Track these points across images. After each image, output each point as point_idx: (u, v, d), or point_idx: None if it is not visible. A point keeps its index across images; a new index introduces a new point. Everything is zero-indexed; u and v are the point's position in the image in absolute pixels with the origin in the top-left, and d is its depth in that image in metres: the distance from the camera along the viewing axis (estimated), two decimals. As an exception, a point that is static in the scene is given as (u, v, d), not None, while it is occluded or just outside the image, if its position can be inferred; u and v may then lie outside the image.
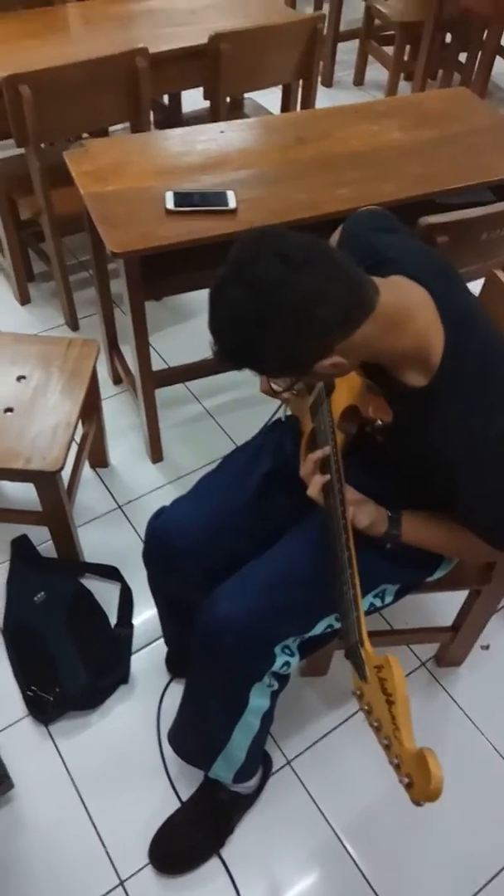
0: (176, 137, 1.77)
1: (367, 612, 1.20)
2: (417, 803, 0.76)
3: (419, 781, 0.75)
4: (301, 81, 2.34)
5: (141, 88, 1.99)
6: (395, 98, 2.29)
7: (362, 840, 1.41)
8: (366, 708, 0.84)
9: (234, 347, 0.90)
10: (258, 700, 1.17)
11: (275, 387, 1.19)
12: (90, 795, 1.44)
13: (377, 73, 3.66)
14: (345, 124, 1.84)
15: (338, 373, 0.97)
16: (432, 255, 1.12)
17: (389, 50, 3.39)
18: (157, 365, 2.03)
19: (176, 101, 2.77)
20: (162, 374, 1.97)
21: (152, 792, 1.44)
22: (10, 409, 1.55)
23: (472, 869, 1.39)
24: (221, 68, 2.08)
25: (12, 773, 1.43)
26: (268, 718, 1.23)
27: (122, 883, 1.34)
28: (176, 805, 1.41)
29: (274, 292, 0.84)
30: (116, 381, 2.22)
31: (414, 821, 1.43)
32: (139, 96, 2.01)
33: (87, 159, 1.67)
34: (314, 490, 1.06)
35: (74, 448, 1.70)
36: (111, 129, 2.49)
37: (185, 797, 1.42)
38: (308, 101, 2.38)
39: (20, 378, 1.62)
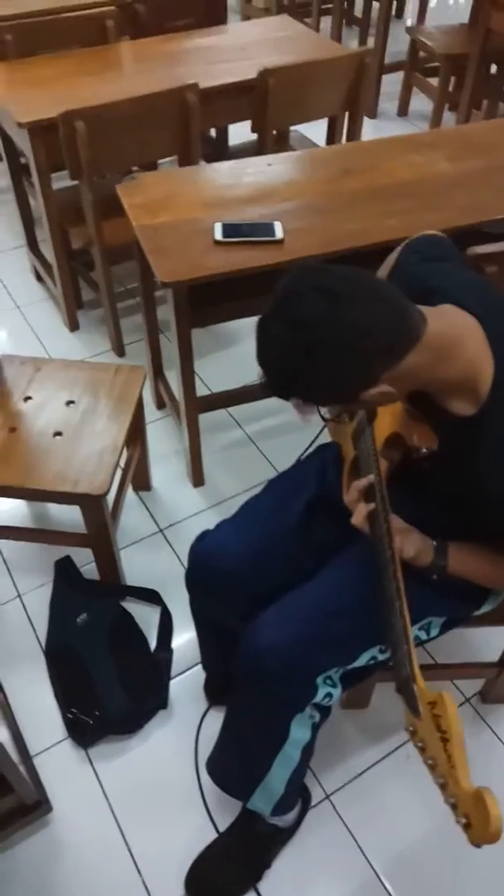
0: (224, 170, 1.81)
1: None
2: (476, 845, 0.73)
3: (478, 822, 0.73)
4: (347, 114, 2.38)
5: (191, 123, 2.05)
6: (442, 129, 2.31)
7: (403, 880, 1.37)
8: (420, 745, 0.82)
9: (281, 381, 0.93)
10: (299, 732, 1.15)
11: (323, 413, 1.20)
12: (127, 821, 1.44)
13: (421, 103, 3.69)
14: (391, 155, 1.86)
15: (386, 400, 0.97)
16: (482, 284, 1.12)
17: (434, 81, 3.42)
18: (200, 391, 2.05)
19: (223, 134, 2.84)
20: (205, 400, 1.99)
21: (189, 820, 1.43)
22: (59, 433, 1.59)
23: (519, 918, 1.34)
24: (269, 102, 2.12)
25: (51, 795, 1.44)
26: (308, 751, 1.21)
27: (157, 913, 1.33)
28: (213, 835, 1.40)
29: (318, 329, 0.86)
30: (160, 405, 2.26)
31: (456, 861, 1.38)
32: (189, 130, 2.07)
33: (139, 192, 1.72)
34: (359, 519, 1.05)
35: (119, 471, 1.72)
36: (160, 161, 2.57)
37: (222, 827, 1.40)
38: (354, 133, 2.41)
39: (69, 403, 1.66)
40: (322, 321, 0.86)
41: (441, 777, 0.78)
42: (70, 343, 2.48)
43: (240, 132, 2.45)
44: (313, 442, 1.36)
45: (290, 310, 0.88)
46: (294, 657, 1.08)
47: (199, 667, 1.59)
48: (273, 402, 1.01)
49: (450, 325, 0.95)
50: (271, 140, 2.28)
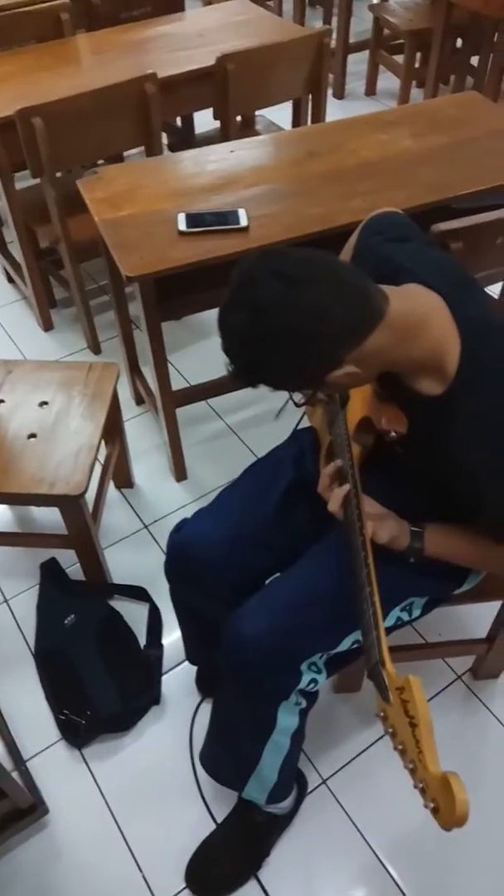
0: (187, 160, 1.79)
1: (396, 627, 1.18)
2: (446, 829, 0.74)
3: (445, 807, 0.73)
4: (311, 96, 2.36)
5: (152, 113, 2.02)
6: (406, 106, 2.28)
7: (403, 860, 1.38)
8: (390, 730, 0.82)
9: (245, 368, 0.92)
10: (286, 719, 1.15)
11: (295, 400, 1.19)
12: (125, 818, 1.44)
13: (389, 82, 3.66)
14: (355, 135, 1.84)
15: (354, 382, 0.97)
16: (448, 262, 1.11)
17: (400, 58, 3.39)
18: (178, 384, 2.05)
19: (188, 122, 2.81)
20: (183, 393, 1.98)
21: (187, 814, 1.43)
22: (33, 435, 1.57)
23: (519, 889, 1.35)
24: (229, 88, 2.10)
25: (47, 798, 1.44)
26: (298, 737, 1.21)
27: (159, 908, 1.33)
28: (211, 826, 1.40)
29: (276, 313, 0.85)
30: (139, 401, 2.24)
31: (456, 840, 1.39)
32: (150, 121, 2.04)
33: (100, 186, 1.69)
34: (334, 504, 1.04)
35: (98, 470, 1.71)
36: (126, 154, 2.54)
37: (220, 818, 1.41)
38: (318, 115, 2.39)
39: (42, 404, 1.64)
40: (280, 305, 0.85)
41: (410, 762, 0.78)
42: (45, 343, 2.46)
43: (206, 120, 2.42)
44: (298, 423, 1.35)
45: (248, 296, 0.87)
46: (276, 646, 1.07)
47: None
48: (252, 391, 1.01)
49: (415, 305, 0.94)
50: (236, 126, 2.26)
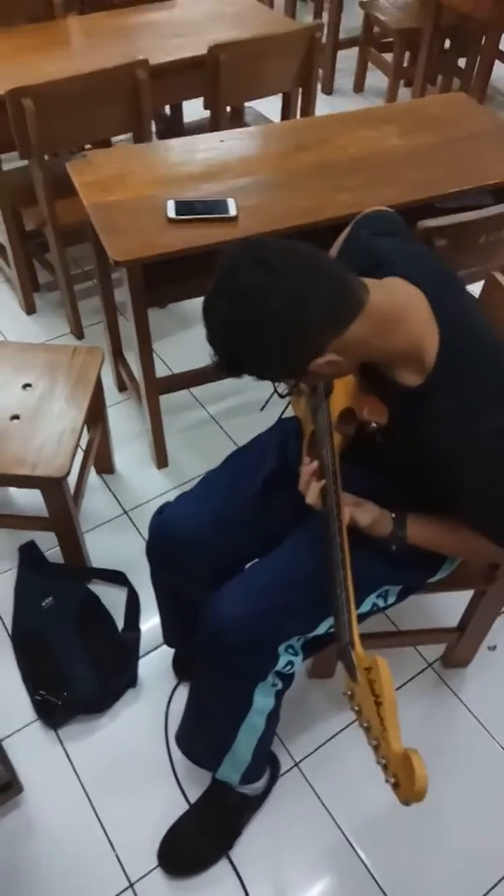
0: (176, 147, 1.80)
1: (371, 613, 1.21)
2: (405, 803, 0.77)
3: (405, 782, 0.76)
4: (300, 90, 2.37)
5: (142, 99, 2.02)
6: (394, 104, 2.31)
7: (372, 842, 1.41)
8: (356, 708, 0.85)
9: (228, 356, 0.94)
10: (263, 700, 1.18)
11: (279, 390, 1.21)
12: (99, 798, 1.45)
13: (377, 79, 3.69)
14: (344, 131, 1.86)
15: (336, 372, 0.99)
16: (430, 257, 1.13)
17: (389, 57, 3.41)
18: (161, 372, 2.05)
19: (177, 111, 2.80)
20: (166, 381, 1.99)
21: (161, 794, 1.45)
22: (16, 417, 1.57)
23: (483, 869, 1.39)
24: (221, 78, 2.10)
25: (21, 776, 1.45)
26: (273, 718, 1.24)
27: (131, 885, 1.35)
28: (184, 807, 1.42)
29: (256, 299, 0.87)
30: (122, 388, 2.25)
31: (423, 822, 1.43)
32: (140, 107, 2.04)
33: (90, 170, 1.70)
34: (312, 498, 1.07)
35: (80, 455, 1.72)
36: (114, 139, 2.53)
37: (193, 799, 1.43)
38: (307, 109, 2.40)
39: (26, 386, 1.64)
40: (259, 291, 0.87)
41: (374, 739, 0.81)
42: (28, 327, 2.45)
43: (195, 109, 2.43)
44: (283, 412, 1.37)
45: (229, 283, 0.89)
46: (254, 628, 1.09)
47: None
48: (235, 381, 1.03)
49: (395, 297, 0.97)
50: (225, 117, 2.27)
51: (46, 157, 2.02)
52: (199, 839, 1.38)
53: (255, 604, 1.10)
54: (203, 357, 0.95)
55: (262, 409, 1.37)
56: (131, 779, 1.48)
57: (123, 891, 1.34)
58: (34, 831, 1.41)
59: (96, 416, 1.80)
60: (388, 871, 1.38)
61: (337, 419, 1.13)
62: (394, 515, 1.10)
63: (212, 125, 2.24)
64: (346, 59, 3.75)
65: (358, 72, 3.74)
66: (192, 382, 2.08)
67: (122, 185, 1.65)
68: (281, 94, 2.45)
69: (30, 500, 1.88)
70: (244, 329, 0.89)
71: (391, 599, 1.21)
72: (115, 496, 1.98)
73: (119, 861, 1.38)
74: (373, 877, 1.37)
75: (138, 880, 1.35)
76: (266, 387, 1.08)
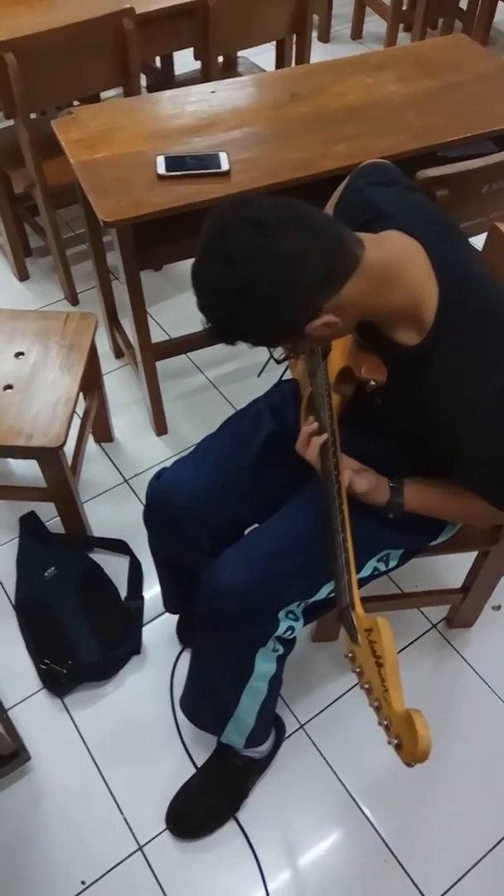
0: (165, 100, 1.72)
1: (372, 577, 1.19)
2: (408, 764, 0.76)
3: (407, 742, 0.75)
4: (295, 37, 2.27)
5: (129, 51, 1.94)
6: (391, 49, 2.20)
7: (377, 801, 1.42)
8: (357, 670, 0.84)
9: (222, 323, 0.90)
10: (264, 665, 1.17)
11: (276, 356, 1.18)
12: (106, 764, 1.46)
13: (375, 25, 3.54)
14: (340, 78, 1.78)
15: (333, 333, 0.95)
16: (430, 208, 1.08)
17: (387, 0, 3.27)
18: (158, 336, 2.01)
19: (168, 63, 2.70)
20: (162, 346, 1.95)
21: (167, 759, 1.46)
22: (9, 387, 1.54)
23: (487, 825, 1.40)
24: (211, 26, 2.01)
25: (29, 745, 1.46)
26: (276, 683, 1.23)
27: (140, 848, 1.37)
28: (191, 771, 1.43)
29: (248, 261, 0.83)
30: (118, 354, 2.21)
31: (428, 781, 1.44)
32: (128, 59, 1.96)
33: (76, 127, 1.63)
34: (312, 453, 1.04)
35: (77, 423, 1.69)
36: (103, 95, 2.44)
37: (199, 763, 1.44)
38: (302, 57, 2.31)
39: (18, 354, 1.61)
40: (252, 254, 0.83)
41: (376, 700, 0.80)
42: (20, 293, 2.40)
43: (186, 61, 2.33)
44: (282, 376, 1.34)
45: (219, 247, 0.85)
46: (253, 595, 1.08)
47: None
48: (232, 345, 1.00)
49: (392, 252, 0.92)
50: (217, 68, 2.18)
51: (32, 116, 1.94)
52: (206, 802, 1.39)
53: (253, 570, 1.09)
54: (200, 320, 0.92)
55: (258, 374, 1.33)
56: (138, 744, 1.49)
57: (132, 854, 1.36)
58: (43, 799, 1.42)
59: (92, 383, 1.77)
60: (394, 828, 1.39)
61: (335, 379, 1.10)
62: (391, 484, 1.08)
63: (203, 76, 2.15)
64: (343, 4, 3.60)
65: (355, 17, 3.59)
66: (190, 347, 2.04)
67: (110, 142, 1.59)
68: (275, 43, 2.36)
69: (29, 470, 1.86)
70: (237, 295, 0.85)
71: (392, 563, 1.20)
72: (114, 464, 1.96)
73: (128, 825, 1.39)
74: (379, 834, 1.38)
75: (147, 843, 1.37)
76: (265, 350, 1.05)
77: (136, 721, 1.52)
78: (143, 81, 2.55)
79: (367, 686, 0.82)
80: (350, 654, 0.86)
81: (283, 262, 0.83)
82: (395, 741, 0.77)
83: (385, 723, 0.78)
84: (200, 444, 1.29)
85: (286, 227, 0.84)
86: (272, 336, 0.94)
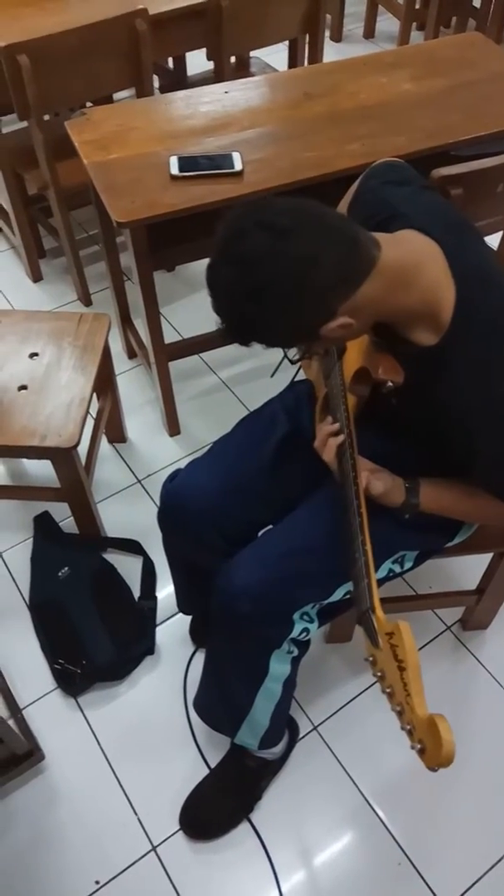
0: (179, 101, 1.72)
1: (388, 579, 1.19)
2: (431, 769, 0.75)
3: (431, 747, 0.74)
4: (307, 37, 2.26)
5: (142, 52, 1.94)
6: (405, 47, 2.19)
7: (391, 803, 1.41)
8: (378, 674, 0.83)
9: (237, 325, 0.90)
10: (278, 666, 1.17)
11: (290, 356, 1.17)
12: (120, 764, 1.47)
13: (388, 24, 3.53)
14: (353, 77, 1.77)
15: (348, 335, 0.95)
16: (445, 207, 1.08)
17: (400, -1, 3.26)
18: (170, 337, 2.01)
19: (181, 64, 2.70)
20: (175, 347, 1.95)
21: (181, 759, 1.46)
22: (24, 387, 1.55)
23: (502, 829, 1.39)
24: (223, 26, 2.01)
25: (43, 745, 1.46)
26: (290, 684, 1.23)
27: (154, 849, 1.37)
28: (205, 772, 1.43)
29: (264, 265, 0.83)
30: (131, 355, 2.21)
31: (443, 783, 1.42)
32: (141, 60, 1.96)
33: (90, 128, 1.63)
34: (329, 454, 1.04)
35: (91, 424, 1.69)
36: (116, 96, 2.45)
37: (213, 764, 1.44)
38: (315, 56, 2.30)
39: (33, 355, 1.61)
40: (268, 256, 0.83)
41: (398, 705, 0.79)
42: (34, 294, 2.41)
43: (199, 62, 2.33)
44: (295, 376, 1.33)
45: (235, 250, 0.85)
46: (268, 597, 1.08)
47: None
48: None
49: (408, 252, 0.92)
50: (230, 68, 2.17)
51: (46, 117, 1.95)
52: (219, 803, 1.39)
53: (268, 572, 1.09)
54: (213, 321, 0.92)
55: (272, 375, 1.33)
56: (152, 744, 1.49)
57: (146, 854, 1.36)
58: (57, 798, 1.42)
59: (105, 384, 1.78)
60: (409, 831, 1.38)
61: (351, 380, 1.09)
62: (407, 484, 1.07)
63: (216, 76, 2.15)
64: (355, 3, 3.58)
65: (368, 16, 3.57)
66: (203, 347, 2.04)
67: (124, 143, 1.59)
68: (287, 43, 2.35)
69: (43, 470, 1.87)
70: (252, 297, 0.85)
71: (408, 565, 1.19)
72: (127, 465, 1.97)
73: (141, 825, 1.39)
74: (392, 836, 1.38)
75: (160, 844, 1.37)
76: (278, 351, 1.05)
77: (149, 721, 1.52)
78: (156, 82, 2.55)
79: (388, 690, 0.81)
80: (371, 658, 0.85)
81: (299, 265, 0.83)
82: (419, 746, 0.76)
83: (408, 727, 0.78)
84: (214, 445, 1.29)
85: (301, 229, 0.83)
86: (287, 338, 0.94)
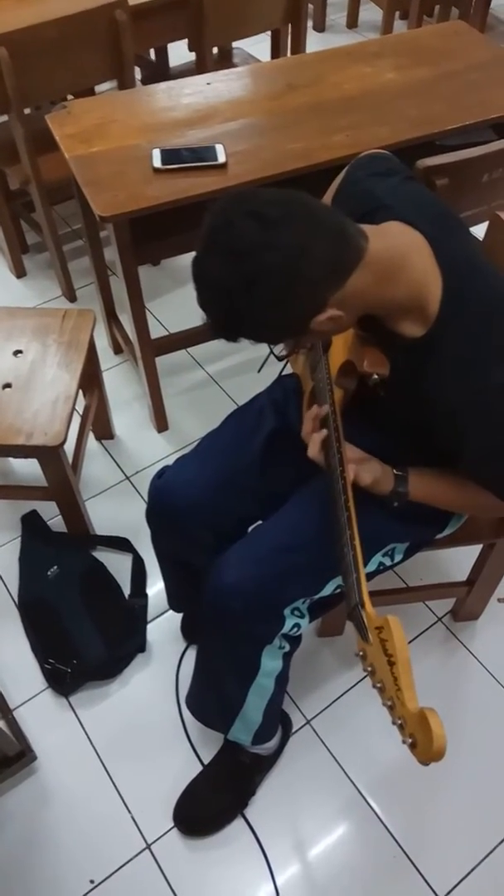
0: (160, 92, 1.70)
1: (378, 572, 1.18)
2: (423, 763, 0.75)
3: (422, 742, 0.74)
4: (290, 27, 2.24)
5: (123, 43, 1.92)
6: (388, 37, 2.17)
7: (385, 795, 1.42)
8: (369, 669, 0.83)
9: (224, 320, 0.88)
10: (270, 662, 1.16)
11: (276, 352, 1.16)
12: (113, 763, 1.46)
13: (371, 13, 3.51)
14: (336, 68, 1.76)
15: (337, 327, 0.94)
16: (430, 198, 1.07)
17: (383, -13, 3.24)
18: (157, 332, 1.99)
19: (163, 55, 2.67)
20: (161, 342, 1.93)
21: (174, 757, 1.46)
22: (8, 385, 1.53)
23: (496, 819, 1.39)
24: (205, 17, 1.99)
25: (35, 745, 1.45)
26: (282, 680, 1.23)
27: (148, 846, 1.36)
28: (198, 768, 1.43)
29: (253, 255, 0.81)
30: (117, 350, 2.19)
31: (436, 775, 1.43)
32: (122, 52, 1.93)
33: (71, 121, 1.61)
34: (314, 449, 1.03)
35: (77, 421, 1.68)
36: (97, 88, 2.42)
37: (206, 760, 1.43)
38: (298, 47, 2.28)
39: (17, 353, 1.59)
40: (256, 246, 0.81)
41: (389, 699, 0.79)
42: (18, 290, 2.38)
43: (181, 53, 2.31)
44: (282, 370, 1.32)
45: (222, 240, 0.83)
46: (259, 592, 1.07)
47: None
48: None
49: (394, 243, 0.91)
50: (212, 59, 2.16)
51: (27, 111, 1.92)
52: (213, 799, 1.39)
53: (258, 568, 1.08)
54: (199, 316, 0.90)
55: (259, 370, 1.32)
56: (144, 742, 1.48)
57: (140, 852, 1.36)
58: (50, 798, 1.42)
59: (91, 380, 1.76)
60: (403, 823, 1.38)
61: (337, 373, 1.08)
62: (396, 472, 1.06)
63: (198, 68, 2.13)
64: (338, -8, 3.57)
65: (350, 5, 3.55)
66: (189, 342, 2.03)
67: (105, 136, 1.57)
68: (270, 33, 2.33)
69: (29, 469, 1.85)
70: (240, 289, 0.83)
71: (398, 557, 1.18)
72: (115, 462, 1.95)
73: (135, 823, 1.39)
74: (387, 829, 1.38)
75: (155, 841, 1.37)
76: (265, 345, 1.03)
77: (142, 718, 1.51)
78: (138, 74, 2.52)
79: (379, 685, 0.81)
80: (361, 653, 0.85)
81: (291, 255, 0.81)
82: (410, 740, 0.76)
83: (399, 722, 0.77)
84: (202, 441, 1.28)
85: (290, 220, 0.82)
86: (277, 331, 0.92)
